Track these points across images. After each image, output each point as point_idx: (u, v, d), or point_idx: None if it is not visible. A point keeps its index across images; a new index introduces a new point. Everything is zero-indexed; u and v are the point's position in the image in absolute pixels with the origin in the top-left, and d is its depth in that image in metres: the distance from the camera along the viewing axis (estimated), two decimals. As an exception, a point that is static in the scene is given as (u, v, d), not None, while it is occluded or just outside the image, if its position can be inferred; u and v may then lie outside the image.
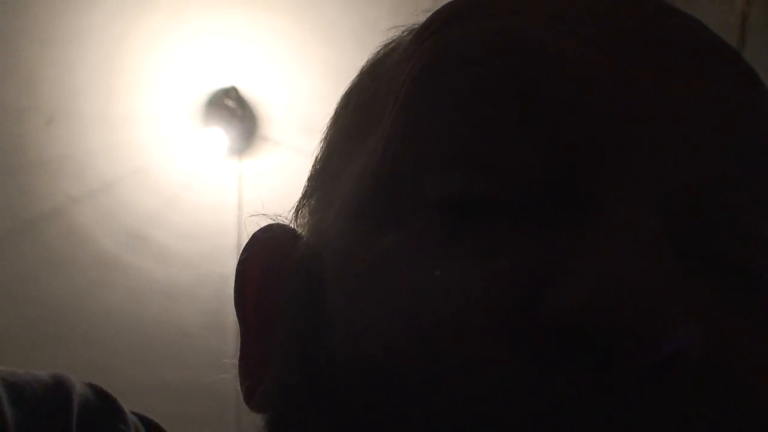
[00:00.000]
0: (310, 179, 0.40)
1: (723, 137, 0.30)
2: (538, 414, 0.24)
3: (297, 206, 0.40)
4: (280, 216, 0.41)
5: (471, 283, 0.27)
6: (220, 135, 2.06)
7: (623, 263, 0.25)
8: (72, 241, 2.25)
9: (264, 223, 0.41)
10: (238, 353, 0.40)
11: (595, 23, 0.31)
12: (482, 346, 0.26)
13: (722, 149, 0.29)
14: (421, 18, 0.37)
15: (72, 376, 0.41)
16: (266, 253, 0.40)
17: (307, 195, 0.40)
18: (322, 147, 0.41)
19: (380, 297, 0.29)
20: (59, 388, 0.39)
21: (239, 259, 0.41)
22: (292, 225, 0.41)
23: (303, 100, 1.99)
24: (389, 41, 0.39)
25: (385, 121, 0.33)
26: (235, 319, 0.41)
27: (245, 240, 0.41)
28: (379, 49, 0.40)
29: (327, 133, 0.41)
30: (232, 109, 2.02)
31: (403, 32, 0.38)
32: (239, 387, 0.39)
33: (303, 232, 0.39)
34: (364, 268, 0.30)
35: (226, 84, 2.00)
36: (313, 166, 0.41)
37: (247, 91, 2.02)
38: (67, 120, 2.01)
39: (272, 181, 2.07)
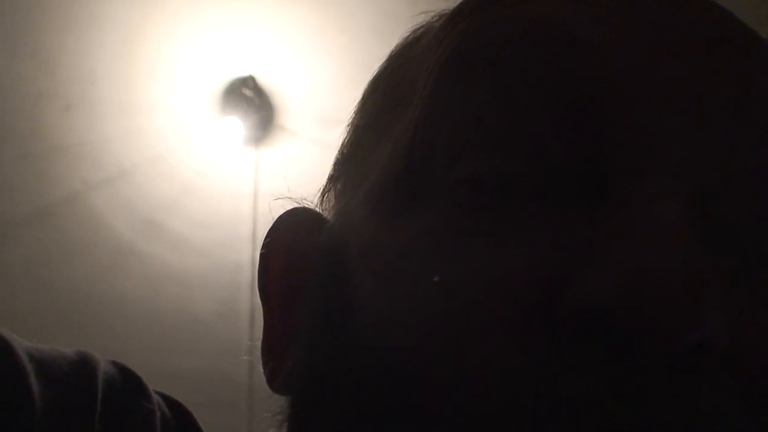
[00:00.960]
0: (336, 164, 0.41)
1: (750, 127, 0.29)
2: (559, 404, 0.24)
3: (323, 190, 0.41)
4: (305, 200, 0.41)
5: (494, 270, 0.27)
6: (237, 124, 2.07)
7: (649, 252, 0.25)
8: (88, 228, 2.26)
9: (286, 208, 0.41)
10: (262, 335, 0.40)
11: (625, 10, 0.31)
12: (504, 334, 0.26)
13: (749, 139, 0.29)
14: (439, 8, 0.36)
15: (96, 354, 0.41)
16: (291, 236, 0.40)
17: (333, 179, 0.40)
18: (348, 132, 0.41)
19: (405, 283, 0.29)
20: (84, 364, 0.40)
21: (264, 241, 0.41)
22: (317, 209, 0.41)
23: (320, 91, 1.99)
24: (418, 27, 0.39)
25: (413, 105, 0.34)
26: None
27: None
28: (407, 34, 0.40)
29: (354, 118, 0.41)
30: (250, 98, 2.02)
31: (432, 18, 0.39)
32: (261, 369, 0.39)
33: (328, 217, 0.39)
34: (390, 254, 0.30)
35: (244, 73, 2.00)
36: (339, 150, 0.41)
37: (264, 81, 2.02)
38: (85, 106, 2.02)
39: (288, 171, 2.07)
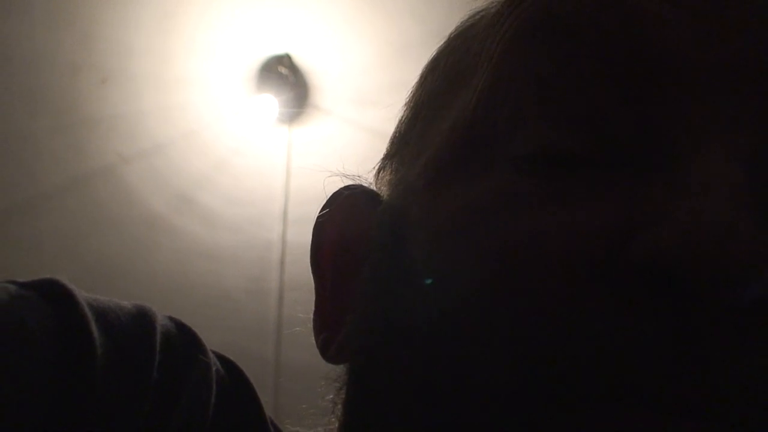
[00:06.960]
0: (392, 140, 0.42)
1: None
2: (620, 354, 0.25)
3: (378, 167, 0.41)
4: (359, 177, 0.42)
5: (559, 228, 0.28)
6: (272, 101, 2.07)
7: (712, 208, 0.25)
8: (121, 201, 2.28)
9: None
10: (313, 308, 0.41)
11: None
12: (568, 288, 0.27)
13: None
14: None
15: (153, 308, 0.42)
16: (346, 210, 0.41)
17: (389, 156, 0.41)
18: (406, 109, 0.42)
19: (468, 243, 0.30)
20: (142, 316, 0.40)
21: (319, 213, 0.42)
22: (372, 186, 0.42)
23: (356, 71, 1.98)
24: (477, 11, 0.40)
25: (478, 76, 0.34)
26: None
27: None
28: (466, 18, 0.40)
29: (413, 96, 0.42)
30: (285, 76, 2.02)
31: (490, 4, 0.39)
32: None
33: (383, 191, 0.40)
34: (453, 216, 0.31)
35: (280, 51, 2.00)
36: (396, 128, 0.42)
37: (300, 59, 2.02)
38: (122, 80, 2.03)
39: (321, 150, 2.08)
